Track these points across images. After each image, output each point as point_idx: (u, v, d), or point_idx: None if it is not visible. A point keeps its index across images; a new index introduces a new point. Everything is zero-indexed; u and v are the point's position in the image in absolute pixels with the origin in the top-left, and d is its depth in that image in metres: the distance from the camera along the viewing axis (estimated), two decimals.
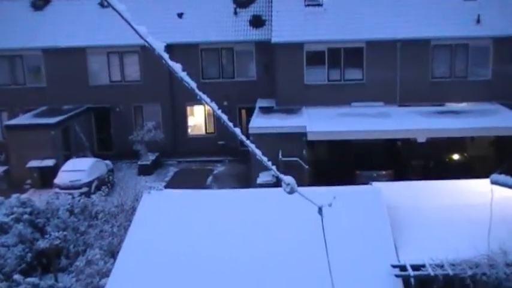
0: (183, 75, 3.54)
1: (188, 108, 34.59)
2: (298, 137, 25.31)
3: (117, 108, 34.18)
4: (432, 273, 12.49)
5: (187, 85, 3.57)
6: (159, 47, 3.38)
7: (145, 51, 32.04)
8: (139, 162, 31.34)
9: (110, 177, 26.74)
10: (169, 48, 30.66)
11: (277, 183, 21.28)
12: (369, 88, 29.83)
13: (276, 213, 14.36)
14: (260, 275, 12.70)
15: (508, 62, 29.12)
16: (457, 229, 14.18)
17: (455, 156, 28.49)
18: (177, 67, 3.51)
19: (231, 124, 4.06)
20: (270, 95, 31.20)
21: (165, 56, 3.43)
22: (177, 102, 33.78)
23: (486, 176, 13.49)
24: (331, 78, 30.26)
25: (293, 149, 24.97)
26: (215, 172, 30.99)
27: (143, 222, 14.64)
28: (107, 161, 29.97)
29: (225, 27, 33.44)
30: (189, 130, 35.06)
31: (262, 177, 24.53)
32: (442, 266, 12.59)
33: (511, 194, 15.34)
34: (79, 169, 27.37)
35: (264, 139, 24.15)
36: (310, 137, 25.31)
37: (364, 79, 30.02)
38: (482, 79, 29.88)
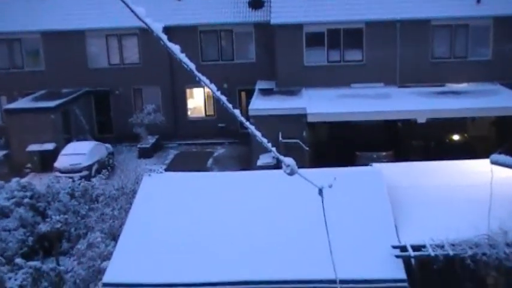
0: (182, 56, 3.51)
1: (188, 90, 34.51)
2: (298, 119, 25.27)
3: (117, 91, 34.10)
4: (432, 254, 12.52)
5: (186, 66, 3.54)
6: (157, 28, 3.34)
7: (144, 34, 31.90)
8: (139, 145, 31.32)
9: (110, 160, 26.81)
10: (168, 30, 30.38)
11: (277, 165, 21.29)
12: (369, 69, 29.72)
13: (277, 195, 14.38)
14: (260, 256, 12.74)
15: (508, 41, 28.98)
16: (457, 209, 14.20)
17: (456, 137, 28.48)
18: (175, 48, 3.48)
19: (230, 105, 4.04)
20: (269, 77, 31.11)
21: (164, 37, 3.40)
22: (176, 85, 33.70)
23: (486, 156, 13.49)
24: (331, 59, 30.15)
25: (293, 131, 24.95)
26: (215, 154, 30.98)
27: (144, 205, 14.67)
28: (107, 144, 29.95)
29: (224, 9, 33.24)
30: (189, 113, 35.00)
31: (263, 159, 24.53)
32: (442, 247, 12.62)
33: (511, 173, 15.36)
34: (79, 152, 27.36)
35: (264, 121, 24.11)
36: (310, 119, 25.28)
37: (364, 60, 29.90)
38: (482, 59, 29.75)
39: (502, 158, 9.22)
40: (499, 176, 13.43)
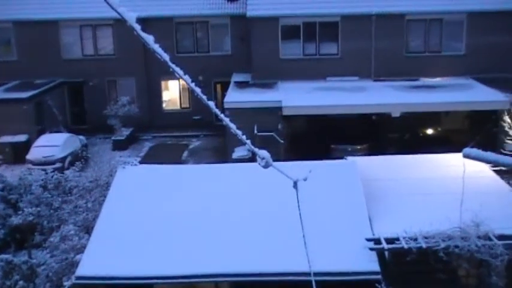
0: (156, 47, 3.46)
1: (163, 82, 34.28)
2: (273, 112, 25.28)
3: (91, 83, 33.72)
4: (406, 246, 12.65)
5: (160, 57, 3.49)
6: (130, 17, 3.29)
7: (119, 25, 31.54)
8: (113, 137, 31.04)
9: (84, 152, 26.47)
10: (143, 21, 30.31)
11: (253, 158, 21.28)
12: (344, 62, 29.82)
13: (252, 188, 14.38)
14: (235, 249, 12.73)
15: (481, 36, 29.28)
16: (430, 202, 14.36)
17: (430, 130, 28.75)
18: (149, 39, 3.43)
19: (204, 97, 4.00)
20: (245, 69, 31.04)
21: (137, 27, 3.34)
22: (151, 77, 33.44)
23: (460, 150, 13.64)
24: (307, 52, 30.18)
25: (269, 124, 24.94)
26: (190, 147, 30.86)
27: (118, 197, 14.57)
28: (81, 136, 29.63)
29: (200, 0, 33.05)
30: (164, 105, 34.79)
31: (238, 152, 24.49)
32: (415, 239, 12.76)
33: (483, 167, 15.57)
34: (52, 144, 27.01)
35: (239, 114, 24.06)
36: (285, 112, 25.30)
37: (339, 53, 29.99)
38: (456, 54, 30.03)
39: (474, 151, 9.31)
40: (471, 170, 13.60)
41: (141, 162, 19.27)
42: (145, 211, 14.00)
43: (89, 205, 17.98)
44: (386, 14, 29.21)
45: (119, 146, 30.57)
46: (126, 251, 12.79)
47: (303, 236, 7.65)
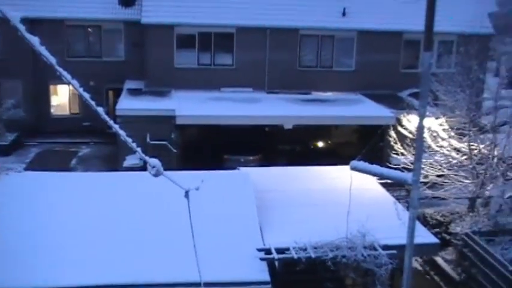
0: (42, 49, 3.28)
1: (52, 87, 32.99)
2: (167, 120, 25.01)
3: None
4: (296, 256, 12.89)
5: (46, 60, 3.31)
6: (14, 17, 3.09)
7: (4, 25, 30.02)
8: None
9: None
10: (32, 23, 29.08)
11: (144, 167, 20.89)
12: (239, 74, 30.07)
13: (143, 197, 14.11)
14: (125, 259, 12.43)
15: (370, 54, 30.55)
16: (320, 213, 14.73)
17: (321, 143, 29.58)
18: (34, 40, 3.24)
19: (93, 103, 3.84)
20: (139, 77, 30.51)
21: (21, 27, 3.15)
22: (39, 81, 32.06)
23: (348, 163, 14.08)
24: (202, 62, 30.15)
25: (162, 133, 24.64)
26: (80, 154, 29.89)
27: (0, 205, 13.80)
28: None
29: (93, 3, 32.13)
30: (53, 110, 33.49)
31: (129, 160, 24.02)
32: (305, 249, 13.03)
33: (370, 179, 16.18)
34: None
35: (132, 121, 23.61)
36: (179, 121, 25.11)
37: (234, 64, 30.22)
38: (346, 70, 31.14)
39: (361, 164, 9.66)
40: (358, 182, 14.08)
41: (26, 169, 18.42)
42: (27, 220, 13.35)
43: None
44: (280, 28, 29.79)
45: (2, 151, 29.01)
46: (10, 262, 12.12)
47: (194, 246, 7.57)
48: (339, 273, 13.51)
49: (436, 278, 17.97)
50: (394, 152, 20.55)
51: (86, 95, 3.74)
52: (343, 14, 30.30)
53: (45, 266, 12.12)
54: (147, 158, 5.09)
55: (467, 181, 19.06)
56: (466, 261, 16.50)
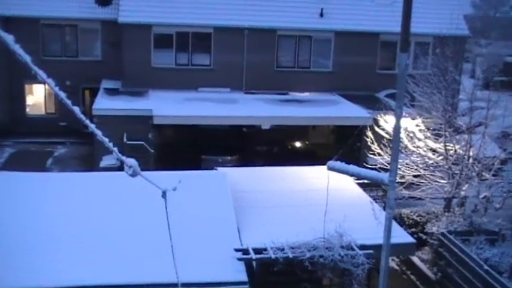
0: (16, 47, 3.23)
1: (27, 86, 32.61)
2: (144, 120, 24.87)
3: None
4: (273, 256, 12.91)
5: (20, 58, 3.26)
6: None
7: None
8: None
9: None
10: (7, 21, 28.75)
11: (121, 167, 20.77)
12: (216, 74, 30.01)
13: (119, 198, 14.01)
14: (101, 259, 12.32)
15: (347, 55, 30.70)
16: (297, 213, 14.77)
17: (298, 143, 29.65)
18: (9, 38, 3.19)
19: (69, 102, 3.80)
20: (116, 76, 30.29)
21: None
22: (14, 80, 31.69)
23: (325, 163, 14.14)
24: (179, 62, 30.03)
25: (139, 133, 24.50)
26: (56, 154, 29.58)
27: None
28: None
29: (69, 2, 31.83)
30: (28, 109, 33.10)
31: (106, 161, 23.83)
32: (282, 249, 13.05)
33: (347, 180, 16.26)
34: None
35: (108, 121, 23.42)
36: (156, 121, 24.98)
37: (212, 65, 30.15)
38: (323, 70, 31.24)
39: (338, 164, 9.71)
40: (335, 182, 14.13)
41: (0, 170, 18.17)
42: (6, 221, 13.17)
43: None
44: (258, 29, 29.80)
45: None
46: None
47: (171, 247, 7.54)
48: (317, 273, 13.55)
49: (412, 277, 18.13)
50: (371, 152, 20.67)
51: (62, 94, 3.70)
52: (321, 14, 30.42)
53: (22, 267, 11.96)
54: (124, 158, 5.05)
55: (443, 181, 19.24)
56: (442, 261, 16.67)
